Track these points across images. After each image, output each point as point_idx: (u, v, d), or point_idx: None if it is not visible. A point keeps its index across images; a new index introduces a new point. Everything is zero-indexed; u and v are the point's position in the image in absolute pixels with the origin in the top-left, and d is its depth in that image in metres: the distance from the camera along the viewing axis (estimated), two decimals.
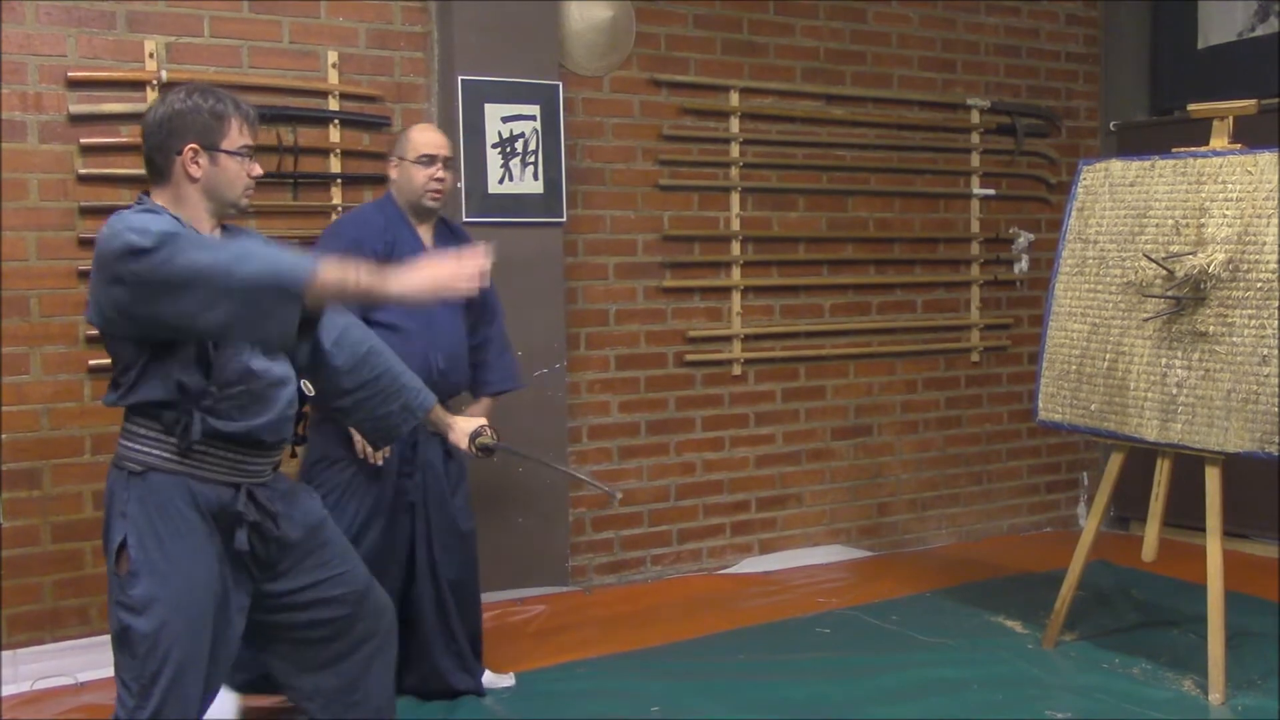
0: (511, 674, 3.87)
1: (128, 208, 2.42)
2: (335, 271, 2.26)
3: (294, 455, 2.70)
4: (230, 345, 2.36)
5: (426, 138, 3.63)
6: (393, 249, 3.53)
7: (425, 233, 3.65)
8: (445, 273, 2.31)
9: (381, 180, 4.38)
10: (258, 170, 2.50)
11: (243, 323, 2.23)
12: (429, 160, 3.58)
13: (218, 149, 2.41)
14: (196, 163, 2.40)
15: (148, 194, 2.46)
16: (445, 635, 3.65)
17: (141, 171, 4.02)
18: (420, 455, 3.57)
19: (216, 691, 2.46)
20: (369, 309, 3.48)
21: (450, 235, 3.74)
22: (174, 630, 2.32)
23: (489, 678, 3.78)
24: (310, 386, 2.64)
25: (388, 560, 3.53)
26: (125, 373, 2.38)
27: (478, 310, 3.75)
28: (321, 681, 2.58)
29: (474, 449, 2.88)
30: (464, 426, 2.89)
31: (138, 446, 2.37)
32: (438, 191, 3.61)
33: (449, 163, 3.66)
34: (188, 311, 2.22)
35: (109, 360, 2.48)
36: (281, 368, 2.50)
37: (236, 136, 2.44)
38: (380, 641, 2.64)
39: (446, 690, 3.67)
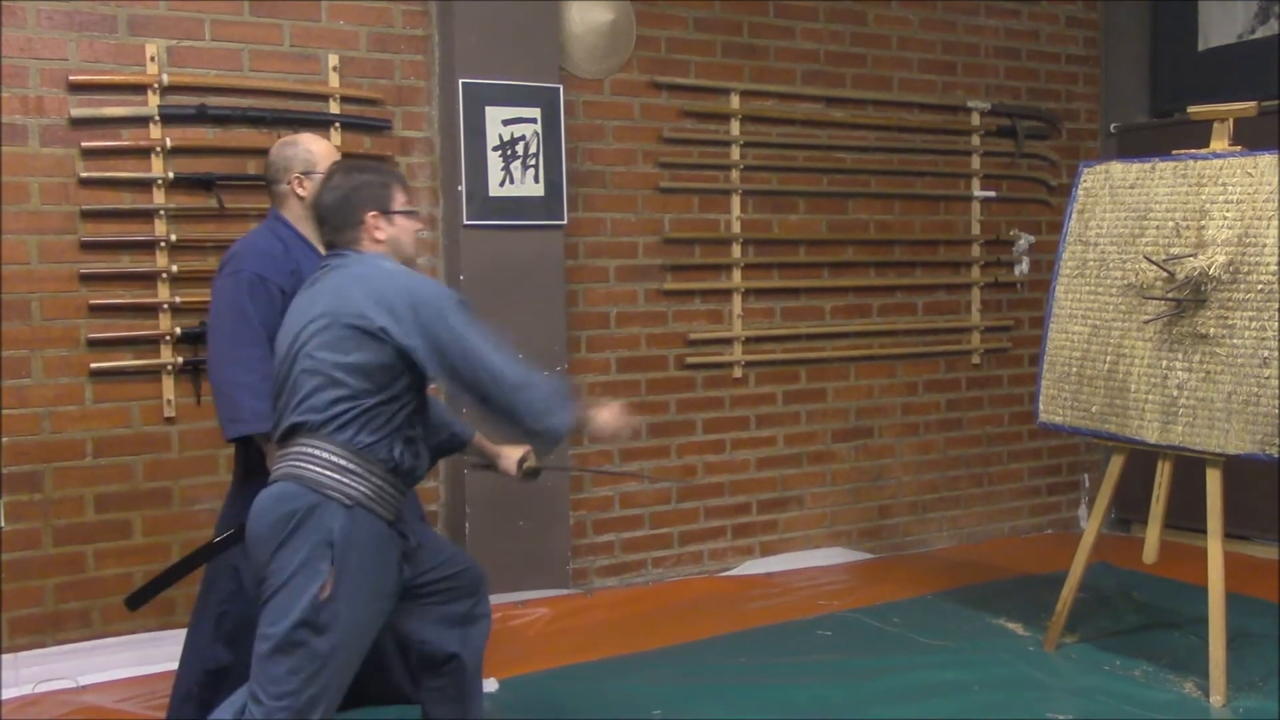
0: (494, 679, 3.82)
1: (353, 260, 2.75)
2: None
3: None
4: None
5: (330, 149, 3.43)
6: (297, 279, 3.15)
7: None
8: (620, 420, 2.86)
9: None
10: (420, 226, 3.02)
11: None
12: None
13: (391, 211, 2.78)
14: (379, 226, 2.76)
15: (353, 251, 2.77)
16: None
17: (141, 174, 4.07)
18: None
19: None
20: None
21: None
22: (340, 656, 2.55)
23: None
24: None
25: None
26: (352, 402, 2.59)
27: None
28: (440, 628, 2.88)
29: (521, 474, 3.11)
30: (510, 454, 3.11)
31: (347, 481, 2.55)
32: None
33: None
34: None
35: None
36: None
37: (400, 198, 2.81)
38: (480, 593, 2.97)
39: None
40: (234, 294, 3.19)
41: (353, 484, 2.56)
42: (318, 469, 2.56)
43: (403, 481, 2.67)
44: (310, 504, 2.53)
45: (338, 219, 2.76)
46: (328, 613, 2.51)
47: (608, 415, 2.86)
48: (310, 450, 2.57)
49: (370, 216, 2.74)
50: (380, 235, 2.76)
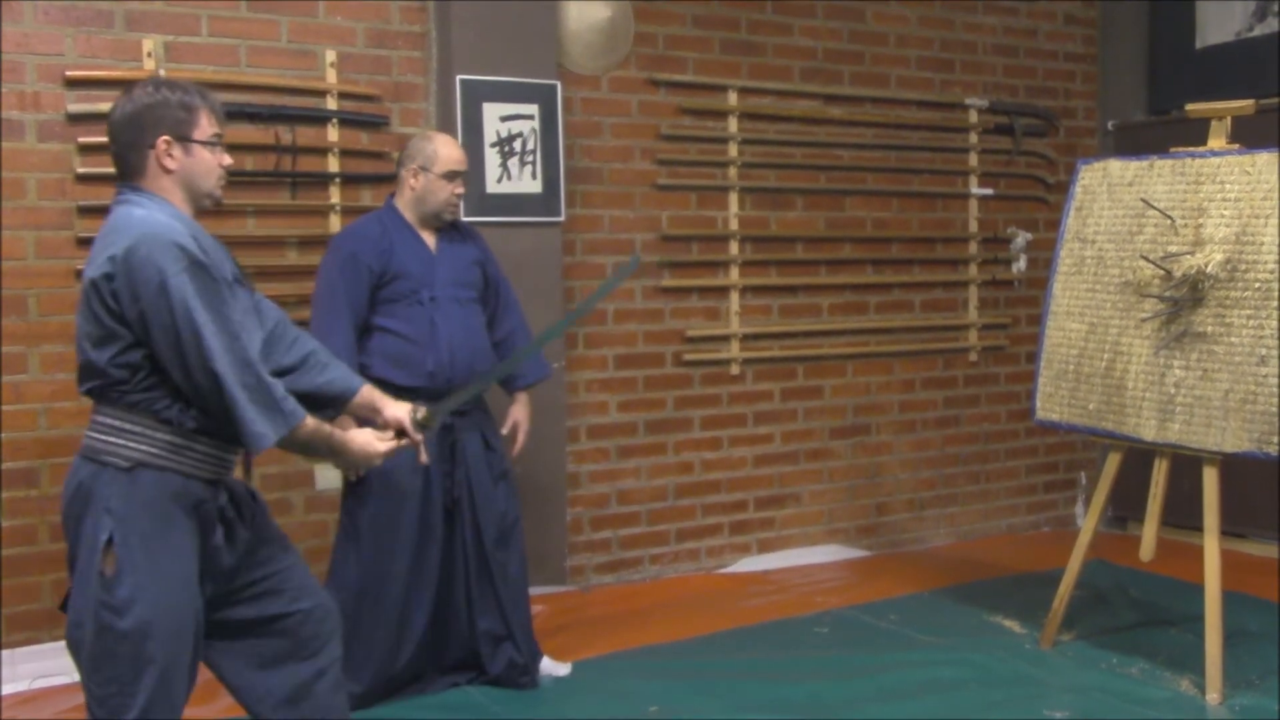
0: (569, 663, 3.98)
1: (121, 202, 2.40)
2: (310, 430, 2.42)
3: None
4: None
5: (453, 154, 3.69)
6: (389, 258, 3.61)
7: (429, 237, 3.71)
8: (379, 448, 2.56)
9: (379, 179, 4.39)
10: (228, 160, 2.50)
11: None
12: (453, 176, 3.66)
13: (190, 139, 2.41)
14: (171, 155, 2.39)
15: (130, 188, 2.41)
16: (497, 624, 3.77)
17: None
18: (459, 451, 3.66)
19: (190, 692, 2.42)
20: (371, 315, 3.59)
21: (458, 235, 3.80)
22: (159, 629, 2.29)
23: (546, 664, 3.91)
24: None
25: (454, 560, 3.71)
26: (129, 370, 2.32)
27: (494, 304, 3.84)
28: (271, 681, 2.52)
29: (415, 427, 2.73)
30: (396, 410, 2.73)
31: (122, 442, 2.32)
32: (458, 205, 3.72)
33: (465, 176, 3.75)
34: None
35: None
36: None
37: (207, 126, 2.43)
38: (328, 643, 2.59)
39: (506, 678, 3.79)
40: (327, 269, 3.61)
41: (130, 444, 2.31)
42: (95, 435, 2.34)
43: (212, 439, 2.38)
44: (90, 474, 2.33)
45: (125, 137, 2.39)
46: (124, 588, 2.26)
47: (361, 443, 2.53)
48: (93, 418, 2.36)
49: (162, 141, 2.37)
50: (171, 165, 2.38)
